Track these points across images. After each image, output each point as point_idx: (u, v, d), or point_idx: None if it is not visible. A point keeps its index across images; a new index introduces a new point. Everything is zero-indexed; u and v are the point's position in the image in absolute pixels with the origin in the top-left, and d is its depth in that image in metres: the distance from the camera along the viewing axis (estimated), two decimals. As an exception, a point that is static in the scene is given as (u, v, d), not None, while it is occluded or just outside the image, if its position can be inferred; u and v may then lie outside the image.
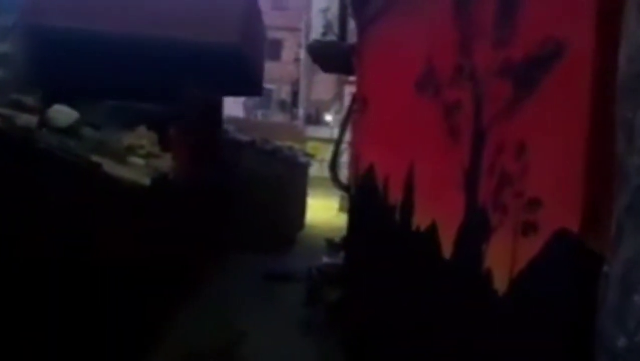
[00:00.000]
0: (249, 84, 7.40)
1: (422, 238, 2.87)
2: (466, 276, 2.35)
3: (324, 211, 15.83)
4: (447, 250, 2.55)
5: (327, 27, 4.65)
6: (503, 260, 2.04)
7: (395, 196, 3.34)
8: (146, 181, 3.92)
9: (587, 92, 1.61)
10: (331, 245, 5.81)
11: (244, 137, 10.75)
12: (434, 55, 2.85)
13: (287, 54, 30.16)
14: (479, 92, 2.35)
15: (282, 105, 32.10)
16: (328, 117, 25.69)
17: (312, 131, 23.89)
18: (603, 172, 1.62)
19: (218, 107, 7.41)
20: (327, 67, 4.98)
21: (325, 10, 4.63)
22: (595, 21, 1.58)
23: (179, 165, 4.89)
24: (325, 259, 5.02)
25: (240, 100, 23.65)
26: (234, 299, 6.24)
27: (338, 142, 5.93)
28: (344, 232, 6.69)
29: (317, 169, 17.44)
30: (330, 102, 25.81)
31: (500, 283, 2.06)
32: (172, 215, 4.97)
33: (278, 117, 29.72)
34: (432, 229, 2.73)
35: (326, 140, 25.34)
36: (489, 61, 2.26)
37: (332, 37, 4.69)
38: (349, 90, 18.58)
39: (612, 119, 1.57)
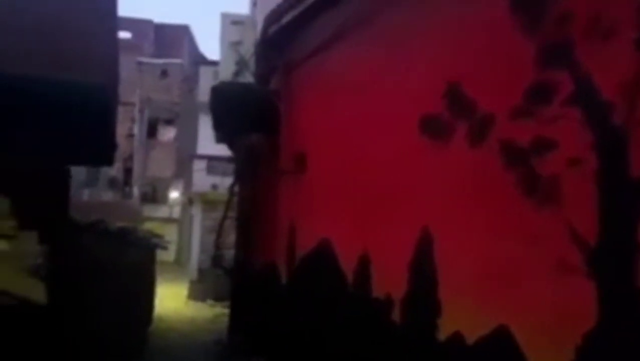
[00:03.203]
0: (102, 148, 5.72)
1: (467, 355, 1.84)
2: None
3: (172, 299, 13.91)
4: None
5: (241, 64, 3.60)
6: None
7: (387, 286, 2.28)
8: (40, 297, 2.14)
9: None
10: (228, 350, 4.42)
11: (79, 219, 8.94)
12: (460, 81, 1.96)
13: (118, 128, 27.99)
14: (606, 117, 1.49)
15: (112, 183, 29.43)
16: (174, 194, 23.74)
17: (150, 211, 21.61)
18: None
19: (66, 177, 5.49)
20: (230, 120, 3.72)
21: (237, 44, 3.59)
22: None
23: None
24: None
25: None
26: None
27: (222, 220, 4.92)
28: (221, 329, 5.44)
29: (160, 252, 15.65)
30: (170, 179, 24.03)
31: None
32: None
33: (108, 196, 26.92)
34: (500, 341, 1.71)
35: (165, 220, 23.31)
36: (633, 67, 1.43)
37: (247, 78, 3.63)
38: (199, 165, 16.98)
39: None
